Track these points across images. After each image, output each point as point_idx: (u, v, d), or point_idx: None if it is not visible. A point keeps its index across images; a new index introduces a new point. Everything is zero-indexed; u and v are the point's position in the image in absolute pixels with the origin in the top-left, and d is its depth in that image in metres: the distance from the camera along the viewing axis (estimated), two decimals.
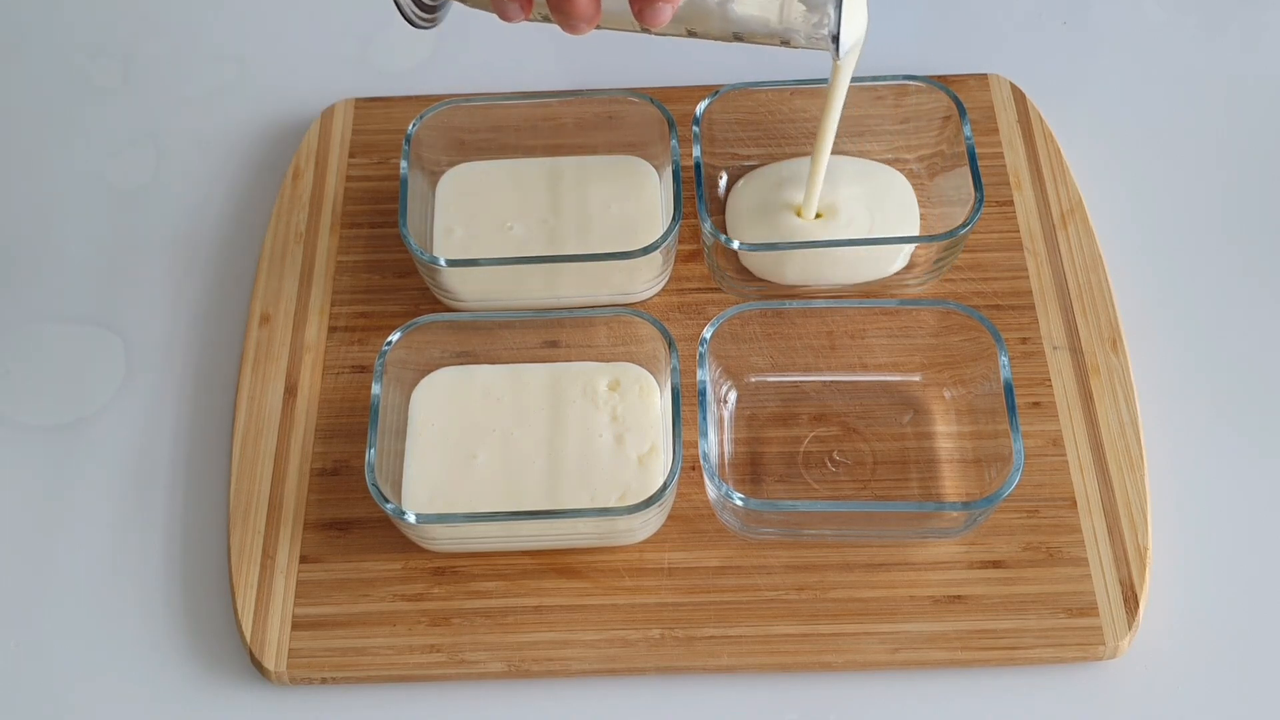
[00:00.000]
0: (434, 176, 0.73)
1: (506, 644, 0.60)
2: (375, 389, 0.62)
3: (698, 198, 0.68)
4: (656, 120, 0.71)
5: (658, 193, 0.73)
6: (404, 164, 0.70)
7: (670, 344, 0.63)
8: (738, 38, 0.54)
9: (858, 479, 0.64)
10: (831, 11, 0.52)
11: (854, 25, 0.56)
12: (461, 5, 0.56)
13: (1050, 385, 0.67)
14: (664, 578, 0.62)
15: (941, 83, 0.71)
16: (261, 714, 0.61)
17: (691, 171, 0.71)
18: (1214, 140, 0.77)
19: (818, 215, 0.70)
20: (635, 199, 0.72)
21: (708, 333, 0.63)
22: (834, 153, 0.68)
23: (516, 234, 0.71)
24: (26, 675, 0.62)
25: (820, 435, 0.65)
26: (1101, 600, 0.60)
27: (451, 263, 0.67)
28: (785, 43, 0.53)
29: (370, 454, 0.60)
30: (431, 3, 0.55)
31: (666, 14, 0.47)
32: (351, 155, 0.77)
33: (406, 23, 0.54)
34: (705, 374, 0.62)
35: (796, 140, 0.73)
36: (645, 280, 0.69)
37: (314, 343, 0.70)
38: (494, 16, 0.54)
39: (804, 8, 0.52)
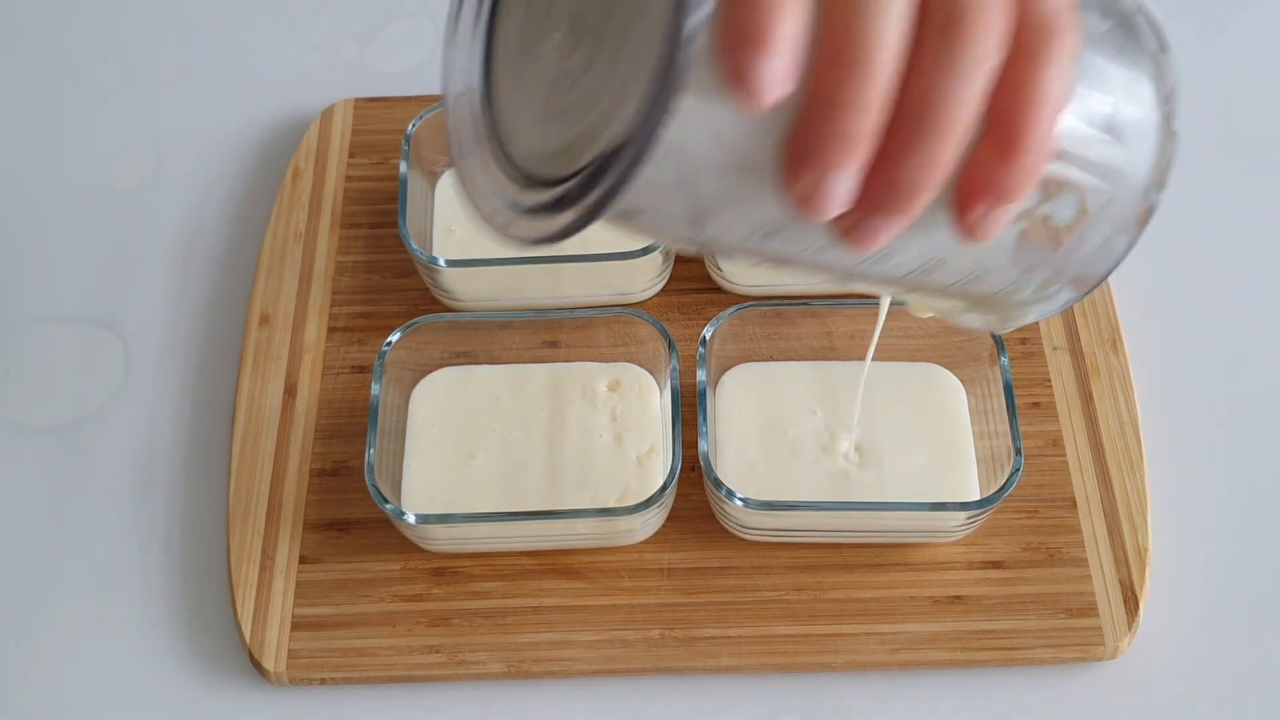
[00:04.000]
0: (434, 176, 0.73)
1: (506, 644, 0.60)
2: (375, 389, 0.62)
3: None
4: None
5: None
6: (403, 164, 0.70)
7: (670, 344, 0.63)
8: (941, 292, 0.39)
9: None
10: (1121, 243, 0.39)
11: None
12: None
13: (1050, 386, 0.67)
14: (663, 578, 0.62)
15: None
16: (261, 714, 0.60)
17: None
18: (1213, 140, 0.77)
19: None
20: None
21: (708, 332, 0.63)
22: None
23: None
24: (26, 675, 0.62)
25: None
26: (1101, 601, 0.60)
27: (451, 263, 0.67)
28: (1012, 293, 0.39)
29: (370, 454, 0.60)
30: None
31: (1003, 225, 0.35)
32: (351, 155, 0.77)
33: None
34: (705, 374, 0.62)
35: None
36: (645, 280, 0.69)
37: (314, 343, 0.70)
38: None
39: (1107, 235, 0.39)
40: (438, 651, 0.60)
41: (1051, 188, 0.37)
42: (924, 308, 0.46)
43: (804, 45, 0.30)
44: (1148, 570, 0.61)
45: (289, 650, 0.60)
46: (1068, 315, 0.69)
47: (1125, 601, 0.60)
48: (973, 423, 0.64)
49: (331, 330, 0.70)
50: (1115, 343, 0.68)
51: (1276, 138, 0.77)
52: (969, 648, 0.60)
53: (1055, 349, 0.68)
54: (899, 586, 0.61)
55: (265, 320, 0.71)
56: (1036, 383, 0.67)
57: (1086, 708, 0.59)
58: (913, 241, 0.36)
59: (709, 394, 0.62)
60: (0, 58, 0.85)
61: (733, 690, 0.60)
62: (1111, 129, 0.38)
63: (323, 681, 0.60)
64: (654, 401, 0.65)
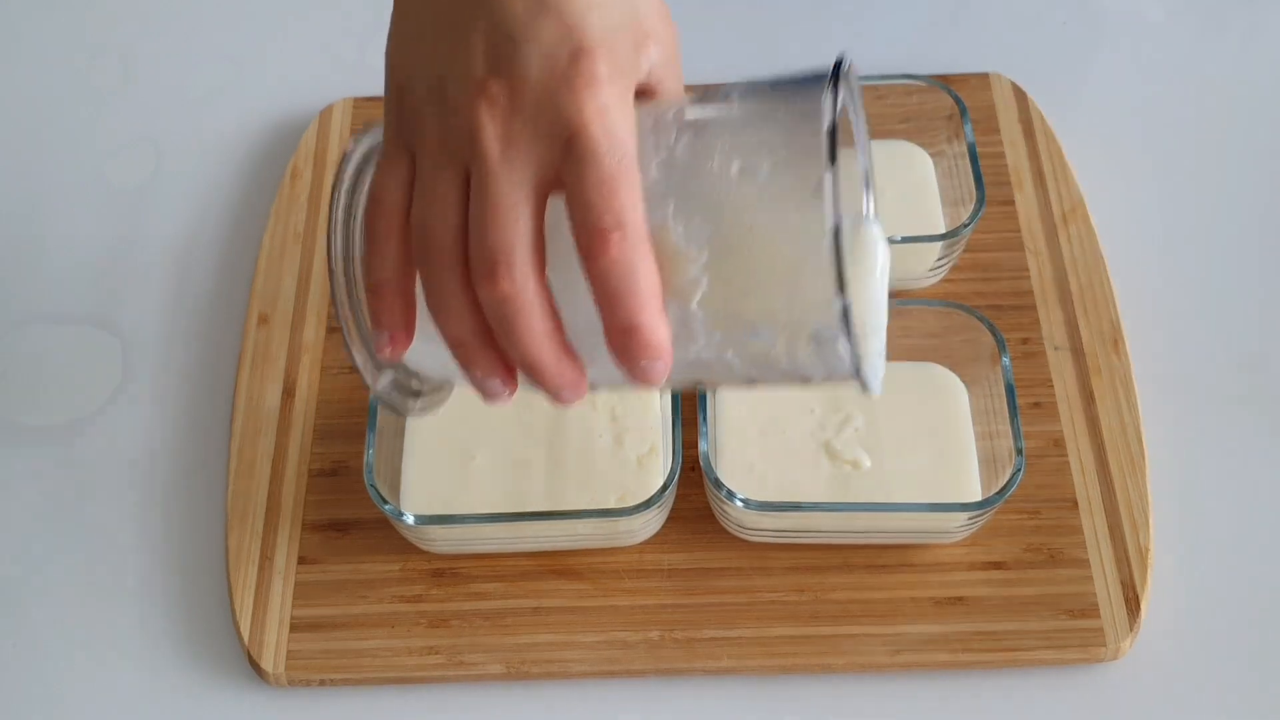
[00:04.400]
0: None
1: (505, 645, 0.60)
2: None
3: None
4: None
5: None
6: None
7: None
8: (752, 383, 0.45)
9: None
10: (843, 350, 0.41)
11: (877, 352, 0.47)
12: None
13: (1051, 386, 0.66)
14: (663, 579, 0.62)
15: (943, 82, 0.71)
16: (259, 715, 0.60)
17: None
18: (1215, 140, 0.77)
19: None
20: None
21: None
22: None
23: None
24: (25, 676, 0.62)
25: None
26: (1103, 601, 0.60)
27: None
28: (806, 381, 0.44)
29: (369, 455, 0.60)
30: (418, 388, 0.52)
31: (659, 372, 0.42)
32: None
33: (391, 409, 0.52)
34: None
35: None
36: None
37: (312, 343, 0.70)
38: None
39: (813, 347, 0.42)
40: (437, 653, 0.60)
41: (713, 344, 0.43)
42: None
43: (408, 316, 0.46)
44: (1149, 571, 0.61)
45: (288, 651, 0.60)
46: (1069, 315, 0.68)
47: (1127, 602, 0.60)
48: (974, 423, 0.64)
49: (330, 330, 0.70)
50: (1116, 343, 0.68)
51: (1277, 137, 0.77)
52: (970, 649, 0.59)
53: (1056, 349, 0.68)
54: (900, 588, 0.61)
55: (264, 320, 0.70)
56: (1038, 383, 0.67)
57: (1088, 709, 0.59)
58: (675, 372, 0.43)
59: (709, 394, 0.62)
60: (0, 57, 0.85)
61: (733, 691, 0.60)
62: (751, 277, 0.42)
63: (321, 683, 0.60)
64: (653, 402, 0.65)
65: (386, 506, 0.59)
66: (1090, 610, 0.60)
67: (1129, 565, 0.61)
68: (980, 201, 0.66)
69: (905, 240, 0.66)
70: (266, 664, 0.60)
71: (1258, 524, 0.64)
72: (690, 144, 0.42)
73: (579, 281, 0.42)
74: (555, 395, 0.45)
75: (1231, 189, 0.75)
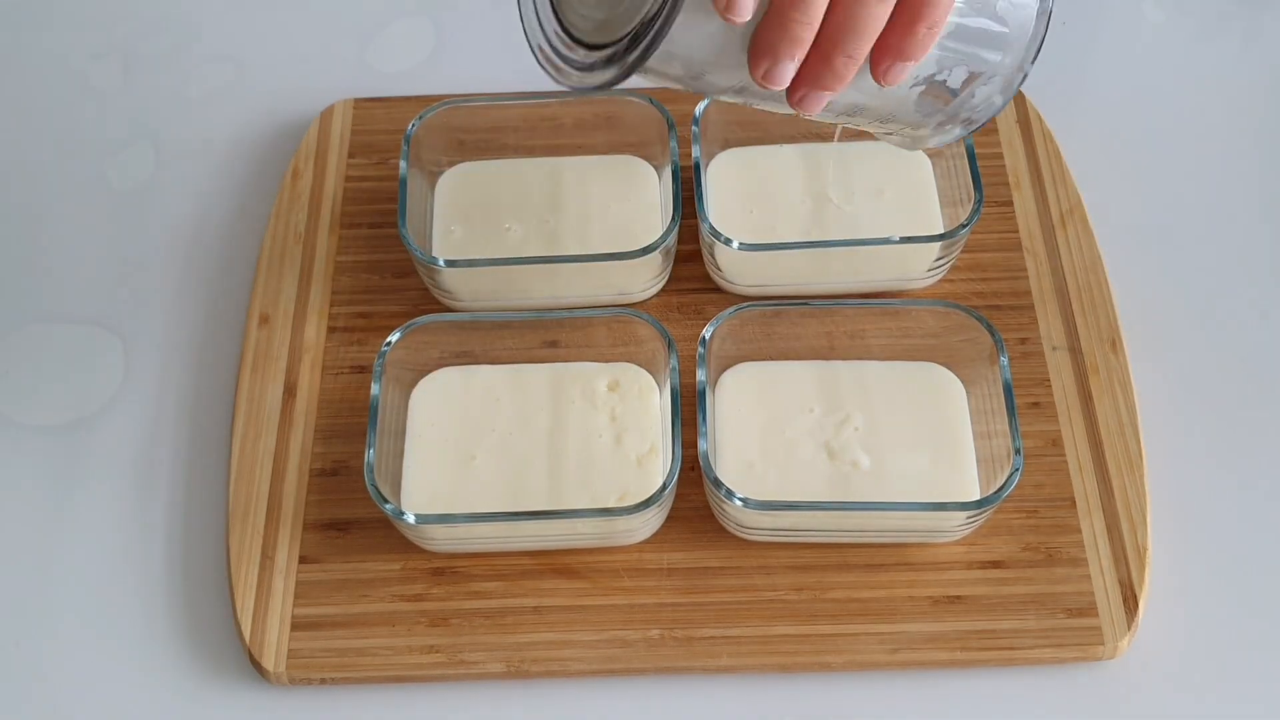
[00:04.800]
0: (433, 176, 0.73)
1: (506, 644, 0.60)
2: (374, 389, 0.62)
3: (697, 198, 0.68)
4: (656, 120, 0.71)
5: (657, 193, 0.73)
6: (403, 164, 0.70)
7: (670, 344, 0.63)
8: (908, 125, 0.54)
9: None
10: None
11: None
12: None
13: (1049, 386, 0.67)
14: (663, 578, 0.62)
15: None
16: (260, 714, 0.60)
17: (691, 171, 0.71)
18: (1214, 140, 0.77)
19: None
20: (635, 199, 0.72)
21: (707, 332, 0.63)
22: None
23: (516, 234, 0.71)
24: (26, 675, 0.62)
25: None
26: (1101, 600, 0.60)
27: (451, 263, 0.67)
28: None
29: (369, 454, 0.60)
30: (576, 52, 0.48)
31: (906, 76, 0.50)
32: (351, 155, 0.77)
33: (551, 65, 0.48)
34: (704, 374, 0.62)
35: (796, 140, 0.73)
36: (645, 280, 0.69)
37: (313, 343, 0.70)
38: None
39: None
40: (437, 651, 0.60)
41: (945, 61, 0.51)
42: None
43: None
44: (1147, 570, 0.61)
45: (289, 650, 0.60)
46: (1067, 315, 0.69)
47: (1125, 601, 0.60)
48: (972, 422, 0.64)
49: (331, 330, 0.70)
50: (1115, 343, 0.68)
51: (1276, 138, 0.77)
52: (968, 647, 0.60)
53: (1055, 349, 0.68)
54: (898, 586, 0.61)
55: (265, 320, 0.71)
56: (1036, 383, 0.67)
57: (1086, 707, 0.59)
58: (841, 95, 0.51)
59: (708, 394, 0.62)
60: (0, 57, 0.85)
61: (732, 690, 0.60)
62: (997, 17, 0.52)
63: (322, 681, 0.60)
64: (653, 401, 0.65)
65: (387, 506, 0.59)
66: (1088, 609, 0.60)
67: (1127, 564, 0.61)
68: (979, 202, 0.66)
69: (904, 240, 0.66)
70: (268, 663, 0.60)
71: (1255, 523, 0.64)
72: None
73: None
74: (825, 90, 0.49)
75: (1230, 190, 0.75)
